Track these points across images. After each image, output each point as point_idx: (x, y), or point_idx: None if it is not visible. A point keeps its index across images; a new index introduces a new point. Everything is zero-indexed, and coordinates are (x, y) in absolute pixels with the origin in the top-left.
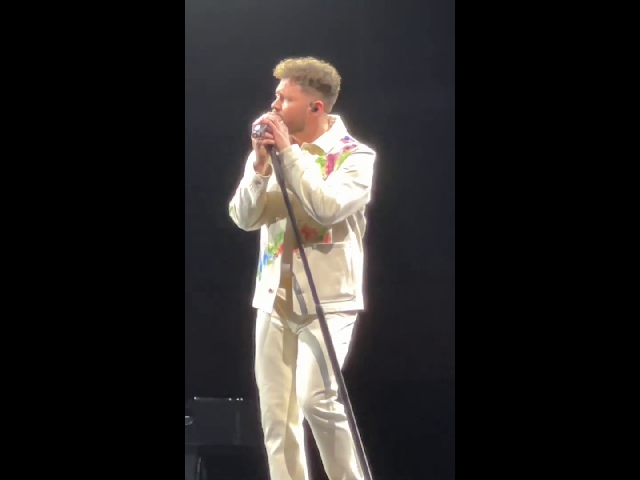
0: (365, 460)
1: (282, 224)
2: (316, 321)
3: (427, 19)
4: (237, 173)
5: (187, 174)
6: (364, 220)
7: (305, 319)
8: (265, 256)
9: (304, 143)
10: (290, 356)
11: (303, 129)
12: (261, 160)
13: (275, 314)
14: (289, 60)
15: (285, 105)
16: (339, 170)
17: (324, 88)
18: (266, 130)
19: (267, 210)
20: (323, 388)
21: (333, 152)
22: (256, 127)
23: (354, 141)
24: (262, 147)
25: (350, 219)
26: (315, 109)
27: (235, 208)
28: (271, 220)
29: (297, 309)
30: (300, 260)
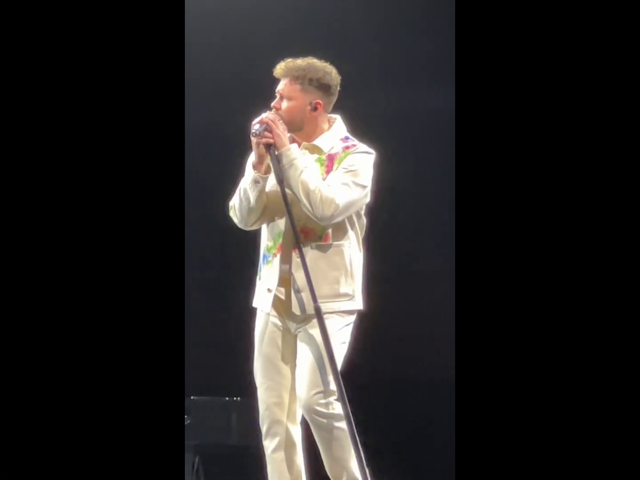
0: (363, 460)
1: (281, 223)
2: (315, 321)
3: (427, 19)
4: (237, 173)
5: (187, 173)
6: (364, 220)
7: (304, 319)
8: (264, 256)
9: (304, 143)
10: (289, 355)
11: (302, 129)
12: (260, 160)
13: (274, 313)
14: (289, 60)
15: (284, 104)
16: (338, 169)
17: (323, 87)
18: (265, 130)
19: (266, 209)
20: (322, 388)
21: (332, 151)
22: (255, 126)
23: (353, 141)
24: (261, 146)
25: (349, 218)
26: (315, 109)
27: (235, 207)
28: (270, 220)
29: (295, 309)
30: (299, 259)
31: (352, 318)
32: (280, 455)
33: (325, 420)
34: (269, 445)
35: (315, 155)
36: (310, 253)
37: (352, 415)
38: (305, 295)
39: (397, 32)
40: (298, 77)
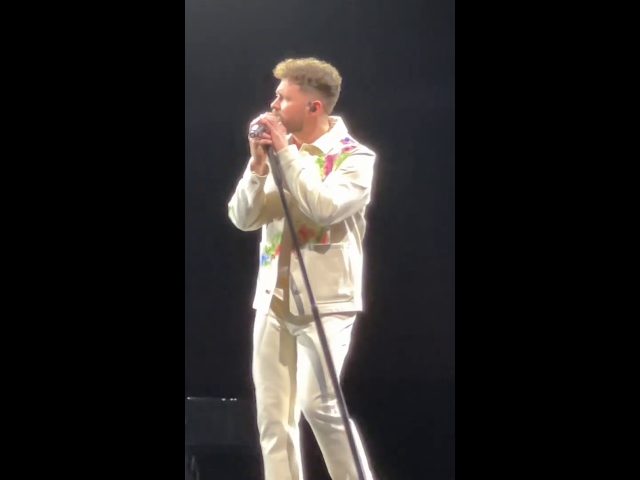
0: (362, 464)
1: (280, 225)
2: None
3: (427, 19)
4: (237, 173)
5: (187, 173)
6: (364, 222)
7: (303, 320)
8: (263, 257)
9: (303, 144)
10: (287, 356)
11: (302, 129)
12: (258, 160)
13: (272, 314)
14: (290, 60)
15: (283, 104)
16: (337, 171)
17: (322, 88)
18: (263, 131)
19: (265, 211)
20: (324, 392)
21: (332, 153)
22: (254, 127)
23: (353, 142)
24: (259, 147)
25: (348, 220)
26: (314, 109)
27: (234, 208)
28: (269, 221)
29: (293, 310)
30: (297, 261)
31: (352, 320)
32: (278, 455)
33: (327, 424)
34: (266, 445)
35: (315, 157)
36: (308, 254)
37: (353, 417)
38: (304, 297)
39: (397, 32)
40: (297, 77)
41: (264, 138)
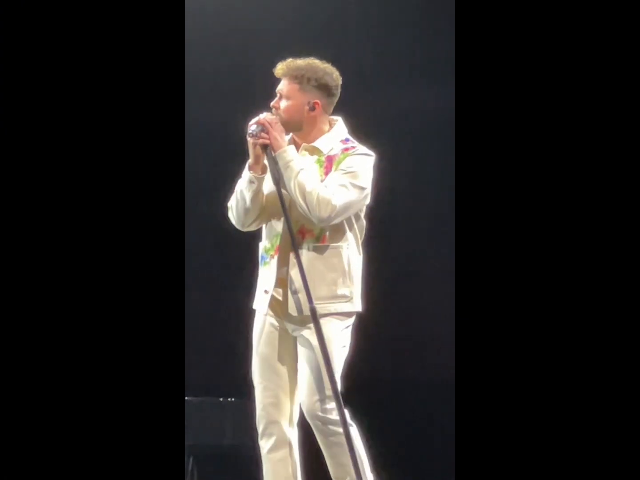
0: (362, 466)
1: (279, 225)
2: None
3: (427, 19)
4: (237, 173)
5: (187, 173)
6: (363, 222)
7: (302, 320)
8: (262, 257)
9: (303, 144)
10: (286, 356)
11: (302, 129)
12: (256, 160)
13: (272, 314)
14: (290, 60)
15: (283, 103)
16: (336, 171)
17: (322, 88)
18: (262, 130)
19: (264, 211)
20: (325, 394)
21: (332, 153)
22: (252, 126)
23: (353, 143)
24: (258, 147)
25: (348, 220)
26: (313, 108)
27: (232, 208)
28: (268, 222)
29: (292, 310)
30: (293, 258)
31: (351, 320)
32: (276, 455)
33: (327, 426)
34: (264, 445)
35: (315, 157)
36: (307, 254)
37: (355, 419)
38: (302, 297)
39: (397, 32)
40: (297, 76)
41: (262, 138)
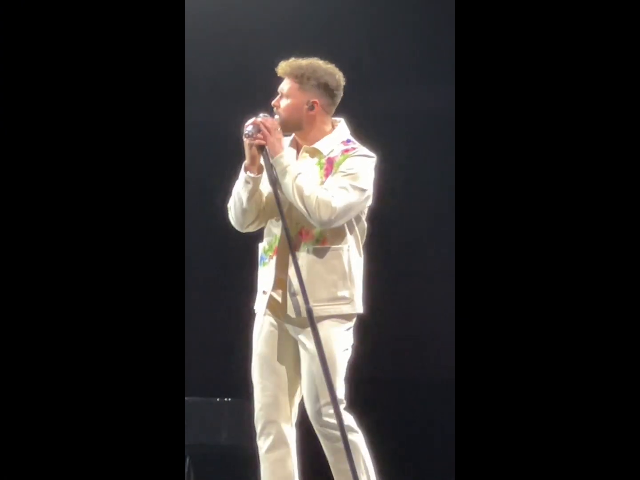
0: (357, 472)
1: (278, 226)
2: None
3: (427, 19)
4: (237, 173)
5: (187, 173)
6: (364, 224)
7: (301, 322)
8: (261, 258)
9: (304, 146)
10: (286, 356)
11: (302, 128)
12: (252, 161)
13: (272, 315)
14: (293, 59)
15: (283, 102)
16: (336, 173)
17: (322, 87)
18: (258, 131)
19: (264, 212)
20: (328, 398)
21: (332, 155)
22: (248, 127)
23: (354, 144)
24: (254, 147)
25: (349, 222)
26: (312, 107)
27: (231, 209)
28: (268, 223)
29: (290, 311)
30: (293, 263)
31: (352, 323)
32: (274, 455)
33: (333, 432)
34: (262, 445)
35: (316, 159)
36: (307, 256)
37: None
38: (301, 299)
39: (397, 32)
40: (297, 75)
41: (258, 139)
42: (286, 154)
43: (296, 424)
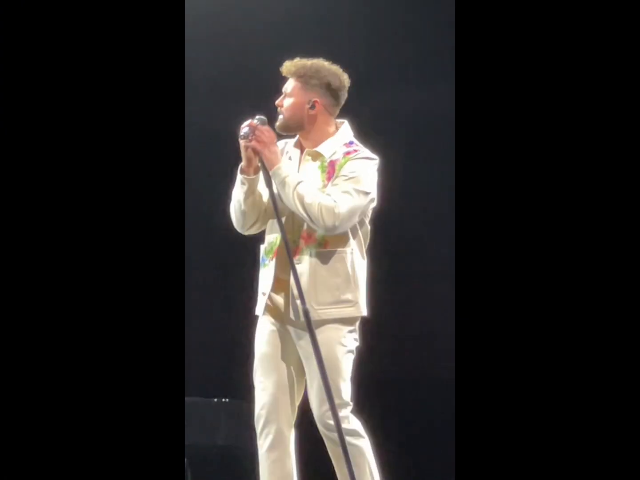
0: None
1: (278, 228)
2: (318, 333)
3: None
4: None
5: (188, 174)
6: (368, 227)
7: (304, 325)
8: (262, 259)
9: (306, 150)
10: (287, 357)
11: (303, 128)
12: (249, 163)
13: (274, 316)
14: (298, 59)
15: (286, 102)
16: (338, 177)
17: (324, 87)
18: (253, 133)
19: (264, 214)
20: (334, 402)
21: (334, 157)
22: (243, 129)
23: (357, 146)
24: (249, 149)
25: (352, 226)
26: (313, 107)
27: (232, 212)
28: (268, 225)
29: (292, 314)
30: (296, 263)
31: (356, 325)
32: (273, 455)
33: (337, 435)
34: (262, 444)
35: (318, 162)
36: (310, 260)
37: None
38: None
39: (397, 32)
40: (300, 75)
41: (254, 141)
42: (284, 165)
43: (296, 425)
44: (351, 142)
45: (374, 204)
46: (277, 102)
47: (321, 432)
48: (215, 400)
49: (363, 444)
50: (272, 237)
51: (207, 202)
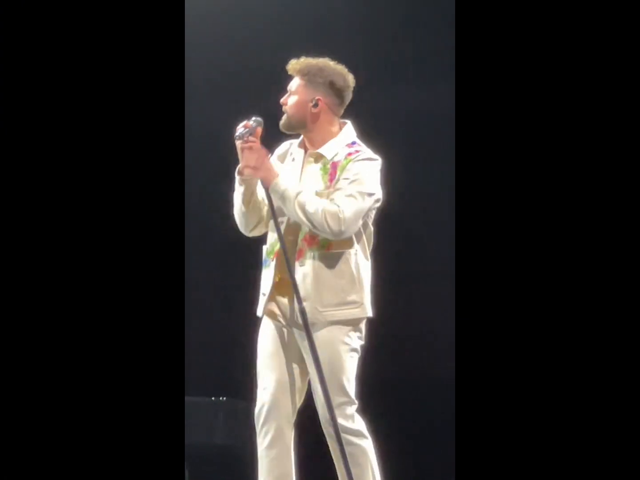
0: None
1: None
2: (322, 332)
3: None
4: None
5: (188, 174)
6: (371, 229)
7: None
8: (264, 260)
9: (309, 151)
10: (289, 357)
11: (306, 126)
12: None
13: (275, 315)
14: (304, 58)
15: (290, 99)
16: (340, 181)
17: (328, 85)
18: (250, 134)
19: (267, 215)
20: (339, 401)
21: (336, 159)
22: (239, 130)
23: (359, 147)
24: (245, 150)
25: None
26: (316, 105)
27: (234, 214)
28: (270, 226)
29: (296, 316)
30: (299, 266)
31: (361, 326)
32: (271, 452)
33: (342, 435)
34: (261, 442)
35: (320, 164)
36: (313, 262)
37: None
38: (306, 304)
39: (397, 32)
40: (304, 73)
41: (249, 142)
42: (280, 179)
43: (295, 423)
44: (353, 143)
45: (379, 204)
46: (281, 100)
47: (326, 433)
48: (213, 399)
49: (366, 445)
50: (274, 238)
51: (207, 203)
